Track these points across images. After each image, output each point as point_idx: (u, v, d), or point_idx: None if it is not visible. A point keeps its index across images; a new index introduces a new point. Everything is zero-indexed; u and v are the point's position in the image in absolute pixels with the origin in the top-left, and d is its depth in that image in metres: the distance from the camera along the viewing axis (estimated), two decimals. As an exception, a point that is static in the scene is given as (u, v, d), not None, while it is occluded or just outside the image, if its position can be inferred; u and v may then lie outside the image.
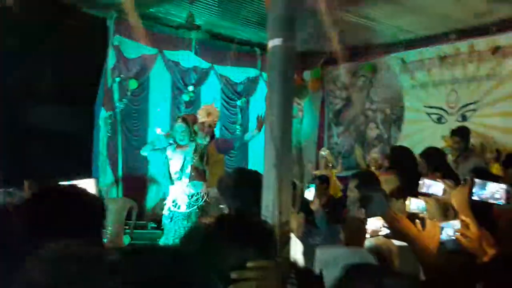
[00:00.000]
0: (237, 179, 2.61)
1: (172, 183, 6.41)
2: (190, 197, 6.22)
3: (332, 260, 2.48)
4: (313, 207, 5.45)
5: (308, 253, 2.70)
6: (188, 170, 6.26)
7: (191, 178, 6.27)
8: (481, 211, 2.68)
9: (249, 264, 1.38)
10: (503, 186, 2.68)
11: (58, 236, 1.71)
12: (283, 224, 2.36)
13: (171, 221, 6.23)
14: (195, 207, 6.20)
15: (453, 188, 2.84)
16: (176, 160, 6.35)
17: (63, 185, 2.08)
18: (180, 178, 6.28)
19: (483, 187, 2.69)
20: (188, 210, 6.20)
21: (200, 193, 6.27)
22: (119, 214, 7.25)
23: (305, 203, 5.04)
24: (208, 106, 7.29)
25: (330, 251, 2.65)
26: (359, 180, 5.27)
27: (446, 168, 5.51)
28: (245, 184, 2.59)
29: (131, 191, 8.48)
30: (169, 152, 6.47)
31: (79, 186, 2.05)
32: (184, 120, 6.56)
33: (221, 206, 2.73)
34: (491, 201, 2.68)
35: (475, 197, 2.68)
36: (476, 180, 2.69)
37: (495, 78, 8.81)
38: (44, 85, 7.19)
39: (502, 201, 2.67)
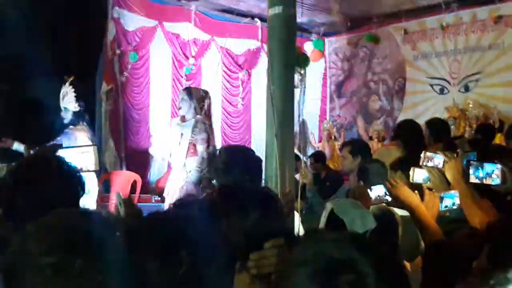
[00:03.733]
0: (225, 158, 2.59)
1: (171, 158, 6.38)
2: (188, 172, 6.12)
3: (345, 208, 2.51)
4: (305, 180, 5.46)
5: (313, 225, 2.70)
6: (186, 145, 6.13)
7: (188, 154, 6.13)
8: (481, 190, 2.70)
9: (266, 245, 1.38)
10: (499, 166, 2.70)
11: (34, 203, 1.75)
12: (286, 193, 2.36)
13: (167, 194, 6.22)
14: (191, 180, 6.09)
15: (453, 158, 2.84)
16: (175, 134, 6.26)
17: (46, 156, 2.09)
18: (176, 155, 6.21)
19: (479, 168, 2.71)
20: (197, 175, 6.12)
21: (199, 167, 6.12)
22: (122, 187, 7.27)
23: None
24: None
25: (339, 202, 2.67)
26: (352, 146, 5.27)
27: (448, 140, 5.48)
28: (234, 163, 2.58)
29: (134, 165, 8.47)
30: (172, 124, 6.45)
31: (61, 159, 2.07)
32: (187, 90, 6.45)
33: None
34: (488, 181, 2.70)
35: (472, 179, 2.70)
36: (472, 162, 2.71)
37: (497, 48, 8.74)
38: (43, 58, 7.12)
39: (498, 181, 2.69)
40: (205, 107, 6.47)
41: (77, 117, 6.15)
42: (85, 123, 6.22)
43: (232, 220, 1.55)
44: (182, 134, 6.14)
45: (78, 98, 6.16)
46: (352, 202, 2.58)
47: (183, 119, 6.27)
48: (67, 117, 6.12)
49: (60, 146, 2.45)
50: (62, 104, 6.14)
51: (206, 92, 6.58)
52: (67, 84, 6.15)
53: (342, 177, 6.63)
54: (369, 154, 5.08)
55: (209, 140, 6.29)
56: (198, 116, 6.24)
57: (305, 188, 5.20)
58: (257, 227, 1.59)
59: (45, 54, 6.54)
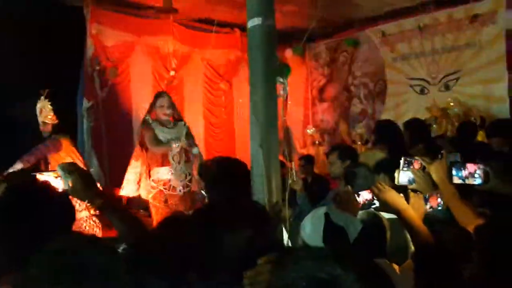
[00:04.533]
0: (216, 171, 2.59)
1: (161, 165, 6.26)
2: (185, 178, 6.14)
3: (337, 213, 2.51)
4: (296, 187, 5.46)
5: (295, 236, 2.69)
6: (178, 151, 6.12)
7: (181, 160, 6.14)
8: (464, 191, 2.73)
9: (259, 261, 1.37)
10: (481, 166, 2.73)
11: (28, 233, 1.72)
12: (273, 204, 2.36)
13: (166, 202, 6.14)
14: (189, 188, 6.14)
15: (431, 164, 2.87)
16: (172, 142, 6.18)
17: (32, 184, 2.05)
18: (177, 162, 6.15)
19: (461, 168, 2.74)
20: (184, 190, 6.14)
21: (191, 173, 6.19)
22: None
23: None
24: None
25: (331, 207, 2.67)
26: (339, 151, 5.30)
27: (428, 140, 5.52)
28: (225, 177, 2.58)
29: (119, 180, 8.42)
30: (156, 131, 6.27)
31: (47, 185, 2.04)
32: (168, 96, 6.48)
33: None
34: (470, 181, 2.73)
35: (455, 180, 2.73)
36: (453, 162, 2.75)
37: (474, 46, 8.83)
38: (24, 78, 7.07)
39: (480, 181, 2.72)
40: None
41: (57, 130, 6.15)
42: (66, 136, 6.22)
43: (225, 238, 1.55)
44: (179, 138, 6.15)
45: (55, 112, 6.15)
46: (340, 210, 2.58)
47: (163, 125, 6.28)
48: (46, 130, 6.10)
49: (31, 172, 2.40)
50: (40, 119, 6.11)
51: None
52: (42, 98, 6.12)
53: (328, 182, 6.65)
54: (357, 159, 5.12)
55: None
56: (182, 120, 6.41)
57: (294, 194, 5.20)
58: (250, 243, 1.59)
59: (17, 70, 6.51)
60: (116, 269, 1.26)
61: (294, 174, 6.61)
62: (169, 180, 6.14)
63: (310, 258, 1.08)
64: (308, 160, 7.77)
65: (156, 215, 6.11)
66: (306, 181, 7.26)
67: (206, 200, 2.72)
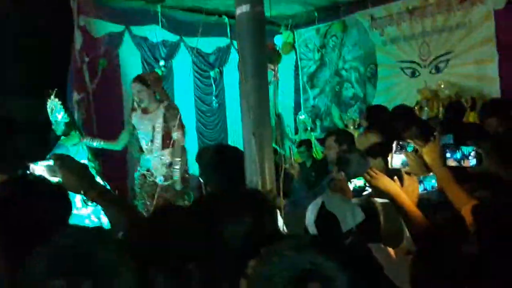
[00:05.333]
0: (215, 157, 2.58)
1: (144, 155, 5.98)
2: (168, 166, 5.79)
3: (334, 203, 2.50)
4: (293, 171, 5.46)
5: (295, 222, 2.69)
6: (160, 138, 5.77)
7: (164, 146, 5.79)
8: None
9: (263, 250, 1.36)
10: (473, 148, 2.73)
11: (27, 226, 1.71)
12: (267, 192, 2.35)
13: (141, 189, 5.86)
14: (176, 176, 5.75)
15: (423, 146, 2.86)
16: (144, 128, 5.87)
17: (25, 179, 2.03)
18: (152, 150, 5.82)
19: (456, 150, 2.74)
20: (168, 182, 5.75)
21: (180, 160, 5.76)
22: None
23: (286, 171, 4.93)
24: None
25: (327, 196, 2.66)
26: (336, 135, 5.30)
27: (418, 122, 5.51)
28: (223, 162, 2.57)
29: (111, 172, 8.39)
30: (134, 120, 5.98)
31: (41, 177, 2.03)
32: (140, 78, 5.97)
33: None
34: (466, 163, 2.73)
35: (450, 162, 2.73)
36: (447, 145, 2.74)
37: (465, 27, 8.82)
38: (12, 74, 7.02)
39: (475, 162, 2.72)
40: (164, 89, 6.23)
41: (69, 127, 6.15)
42: (76, 131, 6.22)
43: (228, 227, 1.54)
44: (153, 127, 5.80)
45: (66, 109, 6.17)
46: (341, 197, 2.58)
47: (145, 111, 5.90)
48: (59, 128, 6.10)
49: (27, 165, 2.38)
50: (52, 118, 6.10)
51: (156, 73, 6.37)
52: (52, 97, 6.10)
53: (327, 167, 6.66)
54: (353, 143, 5.11)
55: (183, 126, 5.94)
56: (165, 101, 5.89)
57: (289, 181, 5.18)
58: (252, 232, 1.58)
59: (19, 72, 6.48)
60: (123, 260, 1.25)
61: (292, 159, 6.59)
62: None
63: (292, 248, 1.07)
64: (307, 145, 7.85)
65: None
66: (305, 166, 7.31)
67: (203, 187, 2.70)
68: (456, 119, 6.38)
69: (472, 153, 2.73)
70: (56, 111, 6.06)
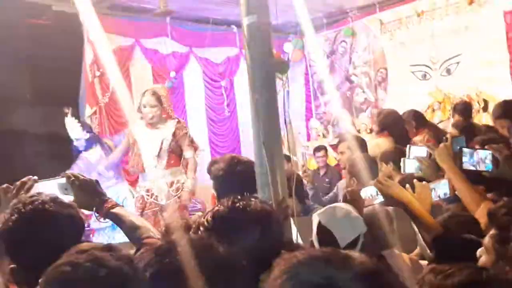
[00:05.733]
0: (227, 168, 2.58)
1: (143, 170, 5.65)
2: (169, 186, 5.49)
3: (331, 216, 2.48)
4: (307, 178, 5.45)
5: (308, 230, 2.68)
6: (165, 154, 5.47)
7: (168, 165, 5.52)
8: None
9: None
10: (490, 152, 2.69)
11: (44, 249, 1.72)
12: (280, 201, 2.35)
13: (142, 212, 5.42)
14: (176, 197, 5.46)
15: (436, 148, 2.84)
16: (150, 142, 5.53)
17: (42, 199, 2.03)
18: (156, 166, 5.50)
19: (472, 154, 2.70)
20: (167, 201, 5.44)
21: (180, 181, 5.52)
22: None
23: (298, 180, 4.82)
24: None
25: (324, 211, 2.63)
26: (349, 141, 5.31)
27: (430, 124, 5.50)
28: (235, 174, 2.57)
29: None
30: (137, 130, 5.63)
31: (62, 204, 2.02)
32: (157, 95, 5.67)
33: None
34: (481, 167, 2.69)
35: (466, 166, 2.69)
36: (464, 149, 2.70)
37: (474, 29, 8.78)
38: (24, 88, 7.09)
39: (490, 167, 2.68)
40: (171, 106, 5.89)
41: (90, 142, 6.14)
42: (98, 145, 6.20)
43: (236, 242, 1.53)
44: (162, 142, 5.51)
45: (83, 126, 6.19)
46: (340, 209, 2.55)
47: (152, 125, 5.62)
48: (81, 145, 6.10)
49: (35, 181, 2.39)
50: (72, 136, 6.12)
51: (167, 89, 6.21)
52: (69, 115, 6.12)
53: (339, 173, 6.67)
54: (366, 148, 5.11)
55: (195, 146, 5.69)
56: (176, 118, 5.68)
57: (302, 189, 5.18)
58: (259, 246, 1.58)
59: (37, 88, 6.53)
60: (134, 278, 1.25)
61: (306, 165, 6.53)
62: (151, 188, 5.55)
63: (302, 262, 1.04)
64: (324, 150, 7.88)
65: None
66: (318, 172, 7.33)
67: (216, 199, 2.71)
68: (464, 118, 6.37)
69: (489, 157, 2.68)
70: (75, 129, 6.10)
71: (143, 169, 5.64)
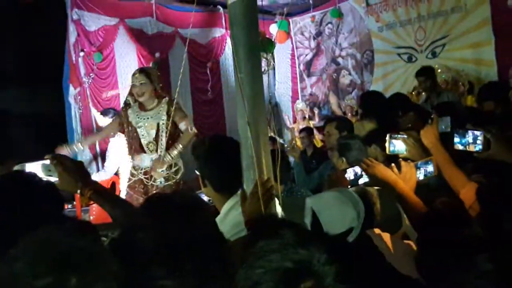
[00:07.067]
0: (210, 148, 2.55)
1: (142, 154, 5.47)
2: (169, 168, 5.40)
3: (324, 205, 2.46)
4: (294, 154, 5.45)
5: (294, 209, 2.67)
6: (164, 138, 5.34)
7: (167, 146, 5.36)
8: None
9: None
10: (481, 132, 2.69)
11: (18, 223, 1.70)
12: (264, 181, 2.33)
13: (145, 195, 5.29)
14: (175, 180, 5.41)
15: (416, 137, 2.85)
16: (148, 126, 5.42)
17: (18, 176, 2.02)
18: (156, 150, 5.39)
19: (463, 135, 2.70)
20: (166, 183, 5.38)
21: (178, 163, 5.45)
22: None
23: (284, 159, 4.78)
24: None
25: (319, 198, 2.63)
26: (336, 122, 5.31)
27: (415, 107, 5.50)
28: (219, 153, 2.54)
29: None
30: (132, 117, 5.49)
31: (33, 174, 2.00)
32: (146, 72, 5.45)
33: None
34: (471, 148, 2.69)
35: (457, 147, 2.70)
36: (456, 129, 2.71)
37: (460, 11, 8.79)
38: (7, 67, 7.01)
39: (480, 147, 2.68)
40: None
41: None
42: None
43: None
44: (158, 125, 5.39)
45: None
46: (334, 196, 2.53)
47: (143, 107, 5.47)
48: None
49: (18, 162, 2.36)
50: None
51: (157, 71, 5.96)
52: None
53: (326, 154, 6.67)
54: (353, 130, 5.12)
55: (186, 115, 5.55)
56: (166, 97, 5.50)
57: (287, 169, 5.15)
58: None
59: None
60: (103, 259, 1.22)
61: (294, 142, 6.49)
62: (151, 169, 5.38)
63: (273, 249, 1.01)
64: (308, 132, 7.91)
65: None
66: (305, 154, 7.34)
67: (200, 180, 2.68)
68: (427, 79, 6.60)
69: (480, 138, 2.68)
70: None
71: (141, 152, 5.50)
